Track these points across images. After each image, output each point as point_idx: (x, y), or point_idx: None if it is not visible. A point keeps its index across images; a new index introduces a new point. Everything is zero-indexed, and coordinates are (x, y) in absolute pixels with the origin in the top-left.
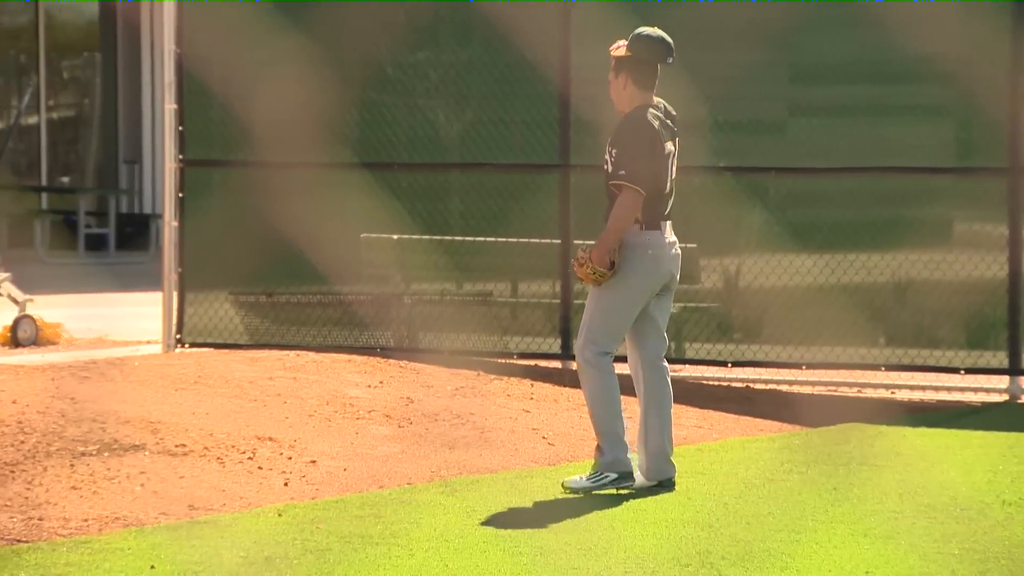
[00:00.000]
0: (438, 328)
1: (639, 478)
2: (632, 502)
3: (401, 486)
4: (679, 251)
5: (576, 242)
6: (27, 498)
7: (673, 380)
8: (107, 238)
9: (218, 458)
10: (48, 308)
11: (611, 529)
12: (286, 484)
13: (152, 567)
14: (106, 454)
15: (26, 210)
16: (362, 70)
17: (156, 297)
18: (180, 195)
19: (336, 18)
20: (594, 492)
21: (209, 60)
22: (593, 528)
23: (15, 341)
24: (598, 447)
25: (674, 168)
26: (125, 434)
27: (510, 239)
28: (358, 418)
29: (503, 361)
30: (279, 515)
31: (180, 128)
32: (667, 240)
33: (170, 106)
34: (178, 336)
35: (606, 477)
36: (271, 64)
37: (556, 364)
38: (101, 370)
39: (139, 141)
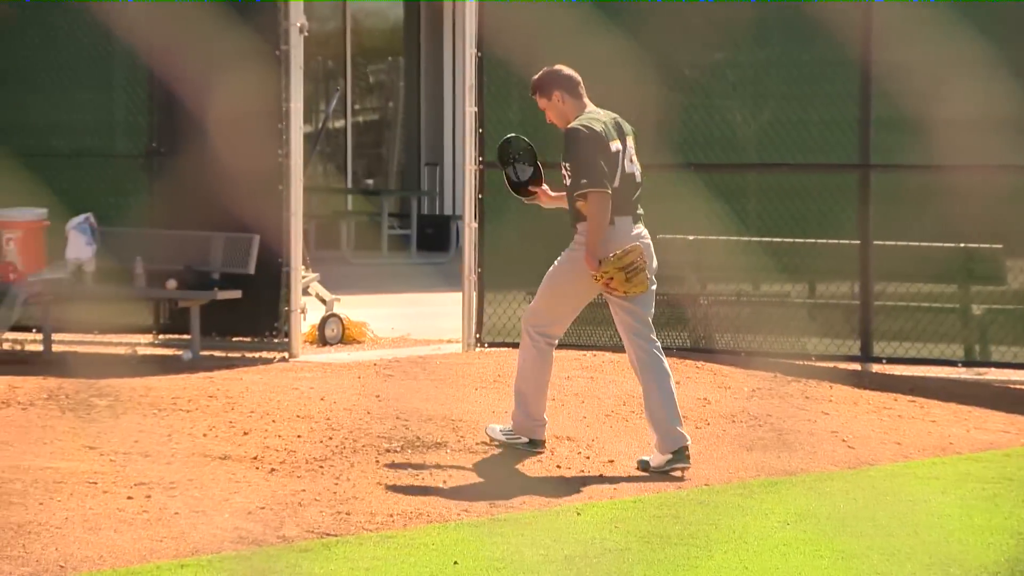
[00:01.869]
0: (735, 329)
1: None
2: (935, 506)
3: (699, 487)
4: (648, 242)
5: (876, 243)
6: (335, 493)
7: (977, 384)
8: (409, 239)
9: (518, 456)
10: (353, 307)
11: (914, 535)
12: (584, 483)
13: (455, 563)
14: (409, 451)
15: (332, 212)
16: (660, 71)
17: (456, 297)
18: (480, 197)
19: (636, 18)
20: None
21: (509, 62)
22: (895, 532)
23: (322, 340)
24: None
25: (628, 163)
26: (428, 432)
27: (808, 240)
28: None
29: (801, 363)
30: (578, 514)
31: (480, 131)
32: (619, 235)
33: (471, 109)
34: (478, 335)
35: (519, 439)
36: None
37: (855, 366)
38: (404, 368)
39: (440, 144)
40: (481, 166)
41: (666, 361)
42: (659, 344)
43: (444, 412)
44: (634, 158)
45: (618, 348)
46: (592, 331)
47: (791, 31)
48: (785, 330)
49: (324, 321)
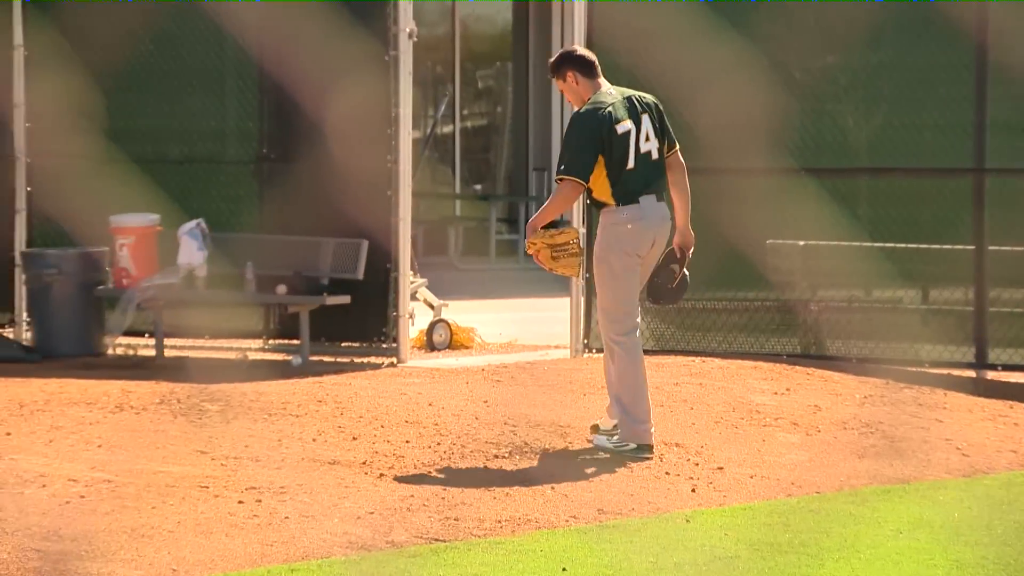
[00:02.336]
0: (846, 335)
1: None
2: None
3: (809, 494)
4: (669, 220)
5: (991, 248)
6: (444, 498)
7: None
8: (517, 244)
9: (626, 463)
10: (461, 313)
11: None
12: (693, 490)
13: (564, 569)
14: (518, 457)
15: (440, 217)
16: (771, 73)
17: (564, 303)
18: (588, 202)
19: (747, 20)
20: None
21: (617, 66)
22: (1012, 542)
23: (430, 345)
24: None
25: (644, 141)
26: (536, 437)
27: (921, 245)
28: (764, 425)
29: (913, 369)
30: (687, 521)
31: None
32: (649, 211)
33: None
34: (585, 341)
35: (626, 445)
36: (677, 66)
37: (970, 373)
38: (512, 374)
39: (549, 149)
40: None
41: (634, 357)
42: (634, 336)
43: (552, 418)
44: (651, 135)
45: (727, 354)
46: (701, 337)
47: (904, 33)
48: (897, 336)
49: (432, 326)
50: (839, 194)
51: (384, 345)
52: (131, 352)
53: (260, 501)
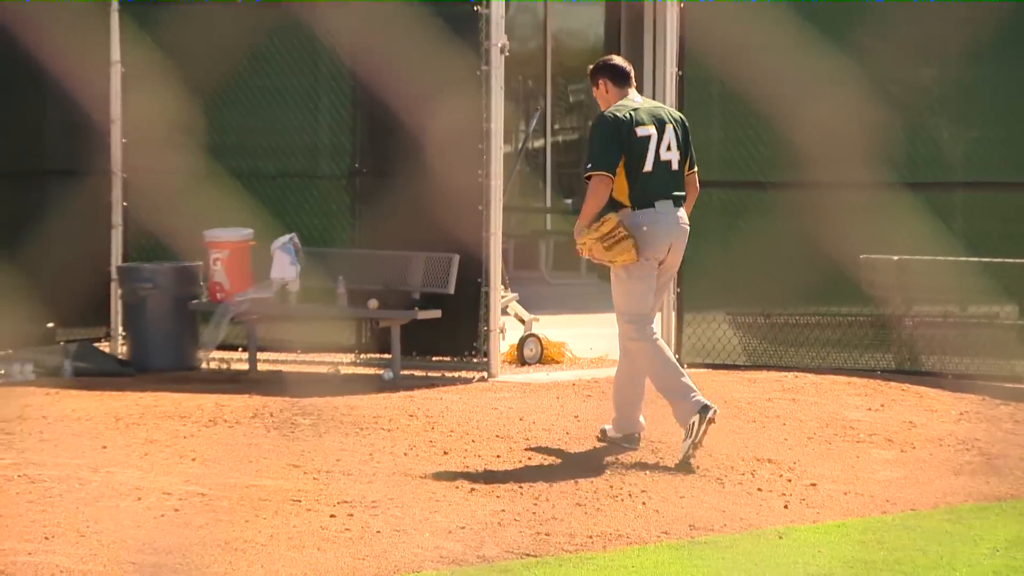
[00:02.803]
0: (941, 351)
1: (608, 429)
2: None
3: (904, 512)
4: (686, 227)
5: None
6: (535, 513)
7: None
8: None
9: (718, 478)
10: (552, 327)
11: None
12: (786, 507)
13: None
14: (608, 472)
15: (531, 231)
16: (864, 85)
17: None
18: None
19: (843, 34)
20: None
21: (710, 81)
22: None
23: (521, 359)
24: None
25: (665, 150)
26: (626, 452)
27: (1018, 260)
28: (858, 441)
29: (1011, 385)
30: (780, 537)
31: None
32: (664, 216)
33: None
34: (677, 356)
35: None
36: (772, 77)
37: None
38: (603, 389)
39: None
40: None
41: (655, 348)
42: (650, 331)
43: (643, 433)
44: (673, 145)
45: (820, 369)
46: (794, 352)
47: (1000, 46)
48: (994, 352)
49: (523, 341)
50: (934, 208)
51: (475, 359)
52: (224, 366)
53: (352, 515)
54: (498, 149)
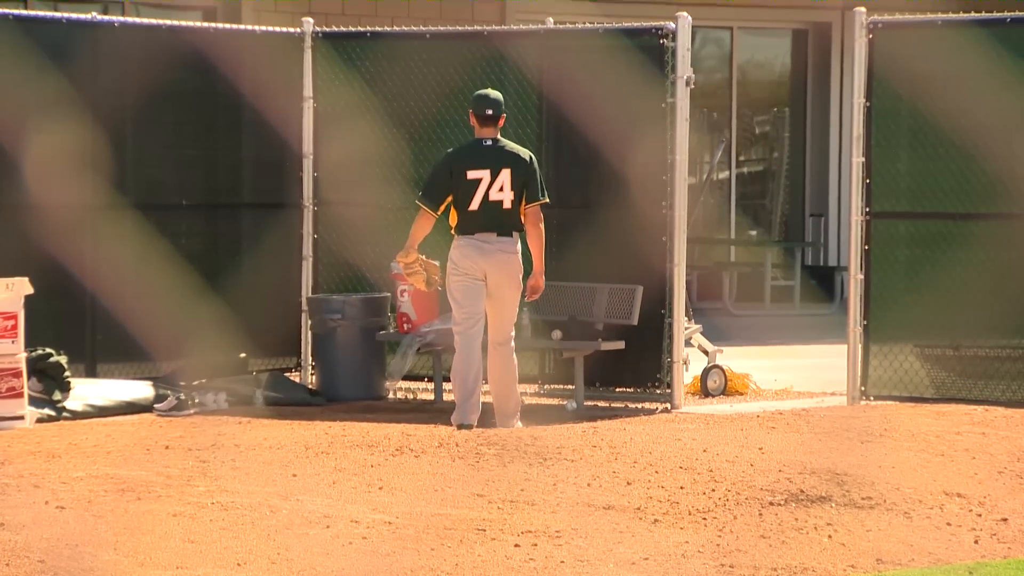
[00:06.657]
0: None
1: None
2: None
3: None
4: (506, 254)
5: None
6: (719, 545)
7: None
8: (793, 290)
9: (905, 512)
10: (736, 359)
11: None
12: (976, 541)
13: None
14: (793, 504)
15: (715, 263)
16: None
17: (840, 349)
18: (866, 247)
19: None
20: None
21: (898, 112)
22: None
23: (705, 391)
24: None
25: (497, 191)
26: (811, 485)
27: None
28: None
29: None
30: (970, 573)
31: (867, 181)
32: (478, 243)
33: (857, 159)
34: (863, 388)
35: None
36: (967, 113)
37: None
38: (787, 421)
39: (825, 194)
40: (868, 217)
41: (460, 347)
42: (472, 332)
43: (828, 465)
44: (506, 187)
45: (1012, 403)
46: (984, 385)
47: None
48: None
49: (706, 372)
50: None
51: (658, 391)
52: (411, 396)
53: (536, 545)
54: (682, 180)
